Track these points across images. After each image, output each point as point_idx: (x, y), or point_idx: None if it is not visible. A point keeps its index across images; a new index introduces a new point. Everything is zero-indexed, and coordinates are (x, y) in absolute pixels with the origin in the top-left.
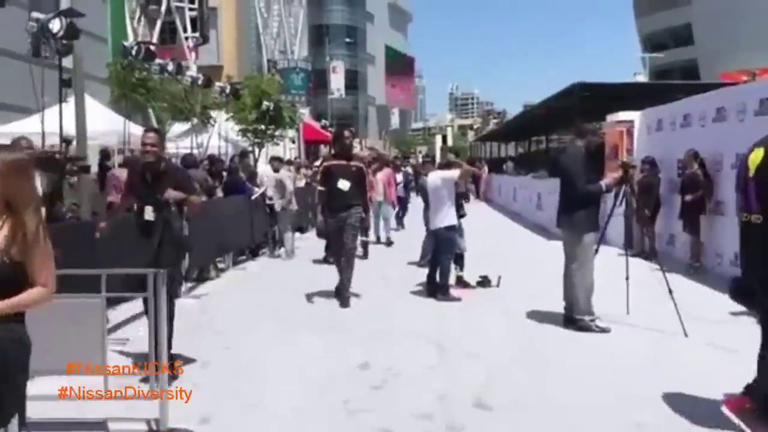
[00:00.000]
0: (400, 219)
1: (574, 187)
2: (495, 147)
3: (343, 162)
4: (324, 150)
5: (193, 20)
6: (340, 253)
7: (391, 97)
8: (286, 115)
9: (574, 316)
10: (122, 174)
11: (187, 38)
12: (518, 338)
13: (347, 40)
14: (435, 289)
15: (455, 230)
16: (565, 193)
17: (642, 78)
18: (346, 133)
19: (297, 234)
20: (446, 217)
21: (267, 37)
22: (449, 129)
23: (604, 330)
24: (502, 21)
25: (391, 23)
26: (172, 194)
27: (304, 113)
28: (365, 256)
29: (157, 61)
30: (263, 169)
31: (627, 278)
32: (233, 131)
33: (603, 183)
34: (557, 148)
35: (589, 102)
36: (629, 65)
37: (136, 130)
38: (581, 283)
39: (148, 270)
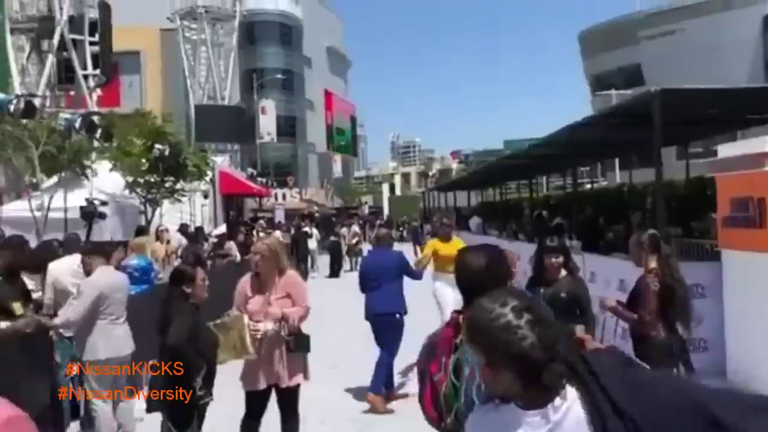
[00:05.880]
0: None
1: None
2: (447, 197)
3: None
4: (251, 204)
5: (94, 56)
6: None
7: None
8: (190, 163)
9: None
10: None
11: (86, 77)
12: None
13: (279, 76)
14: None
15: None
16: None
17: None
18: None
19: None
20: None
21: (194, 82)
22: (396, 177)
23: None
24: (442, 68)
25: (330, 68)
26: None
27: (217, 161)
28: None
29: None
30: (67, 263)
31: None
32: (119, 186)
33: None
34: None
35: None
36: (576, 110)
37: None
38: None
39: None
